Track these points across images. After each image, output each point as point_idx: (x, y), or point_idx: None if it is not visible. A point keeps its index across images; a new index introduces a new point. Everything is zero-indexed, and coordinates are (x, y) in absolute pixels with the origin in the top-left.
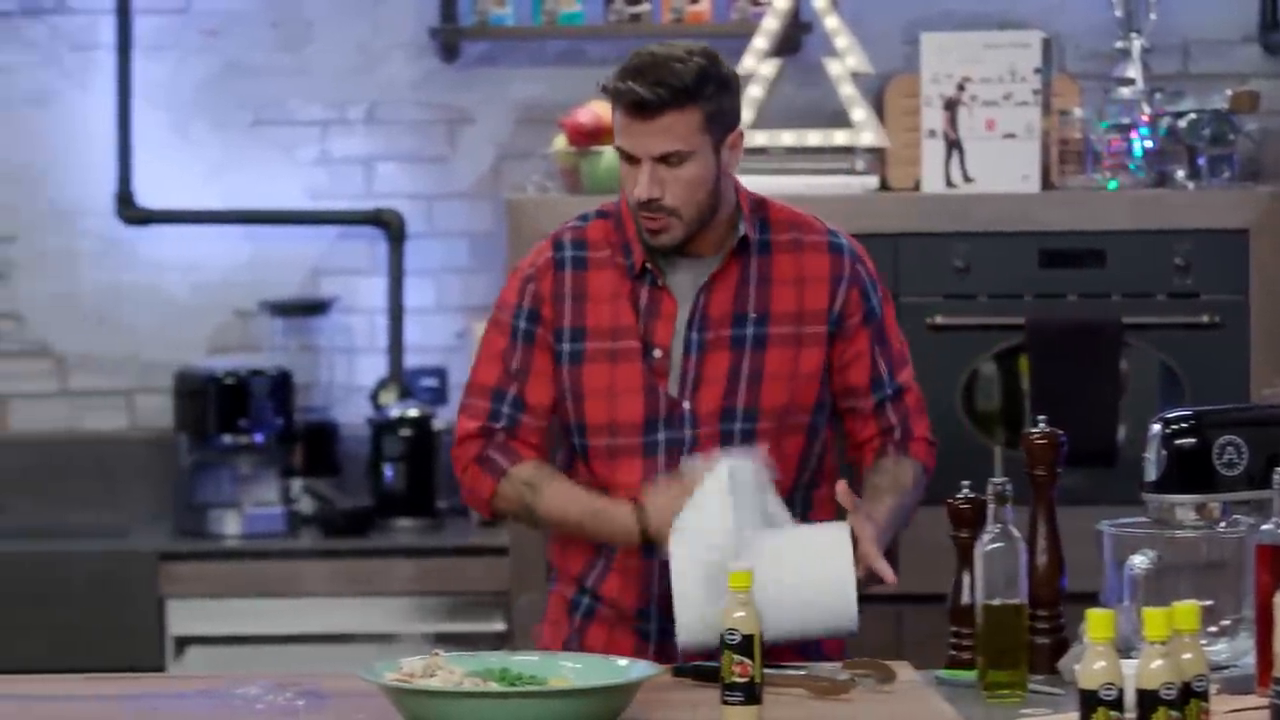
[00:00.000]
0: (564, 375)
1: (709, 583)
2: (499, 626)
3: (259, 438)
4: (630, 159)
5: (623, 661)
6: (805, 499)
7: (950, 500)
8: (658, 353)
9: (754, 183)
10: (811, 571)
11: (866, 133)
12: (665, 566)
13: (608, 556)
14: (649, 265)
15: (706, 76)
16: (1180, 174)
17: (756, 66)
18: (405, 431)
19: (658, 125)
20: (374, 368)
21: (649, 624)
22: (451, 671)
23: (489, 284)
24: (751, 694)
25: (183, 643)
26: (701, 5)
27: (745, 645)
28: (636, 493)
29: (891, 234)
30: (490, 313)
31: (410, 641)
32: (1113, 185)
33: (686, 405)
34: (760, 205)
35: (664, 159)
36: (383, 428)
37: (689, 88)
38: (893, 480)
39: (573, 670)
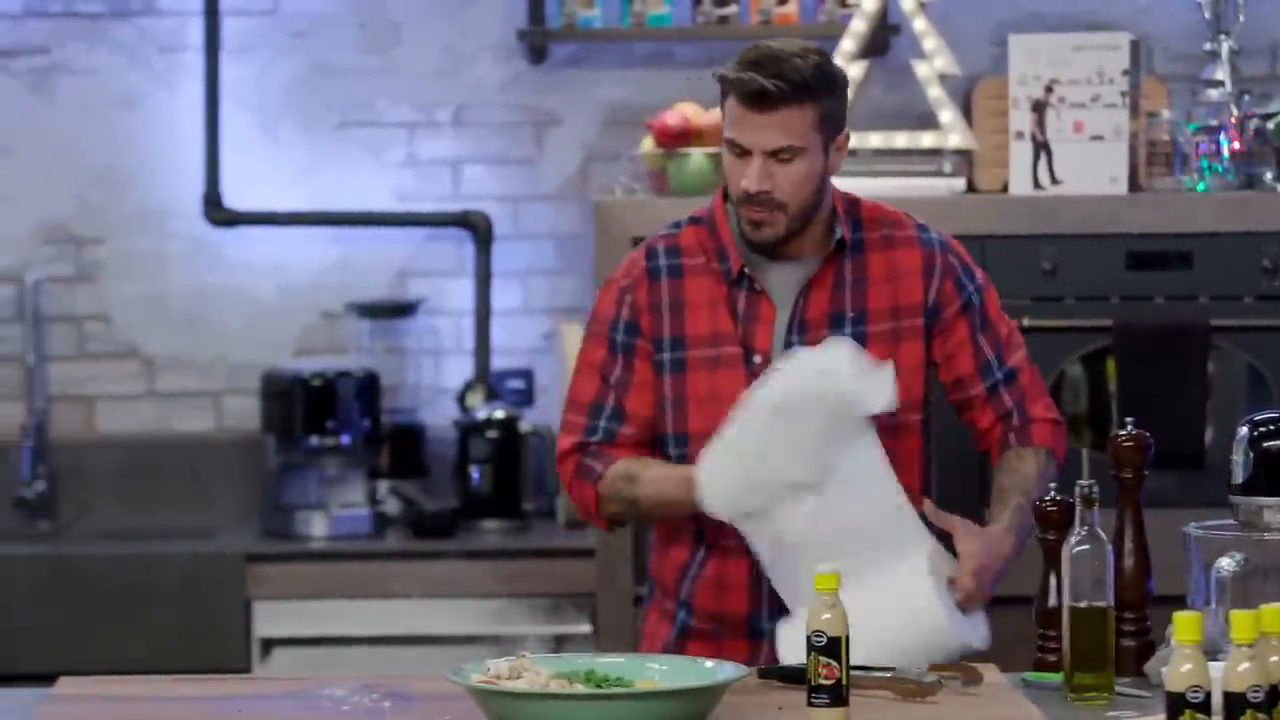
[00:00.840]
0: (665, 384)
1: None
2: (585, 628)
3: (346, 439)
4: (740, 151)
5: (709, 663)
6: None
7: (1037, 502)
8: (758, 358)
9: (841, 184)
10: (900, 619)
11: (954, 135)
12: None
13: (702, 559)
14: (746, 270)
15: (823, 75)
16: (1268, 176)
17: (844, 68)
18: (491, 433)
19: (774, 119)
20: (460, 369)
21: (759, 625)
22: (538, 673)
23: (576, 286)
24: (838, 696)
25: (269, 644)
26: (789, 7)
27: (832, 647)
28: None
29: (979, 236)
30: (584, 326)
31: (496, 643)
32: (1200, 187)
33: None
34: (853, 205)
35: (775, 153)
36: (469, 430)
37: (808, 83)
38: (1018, 478)
39: (659, 672)
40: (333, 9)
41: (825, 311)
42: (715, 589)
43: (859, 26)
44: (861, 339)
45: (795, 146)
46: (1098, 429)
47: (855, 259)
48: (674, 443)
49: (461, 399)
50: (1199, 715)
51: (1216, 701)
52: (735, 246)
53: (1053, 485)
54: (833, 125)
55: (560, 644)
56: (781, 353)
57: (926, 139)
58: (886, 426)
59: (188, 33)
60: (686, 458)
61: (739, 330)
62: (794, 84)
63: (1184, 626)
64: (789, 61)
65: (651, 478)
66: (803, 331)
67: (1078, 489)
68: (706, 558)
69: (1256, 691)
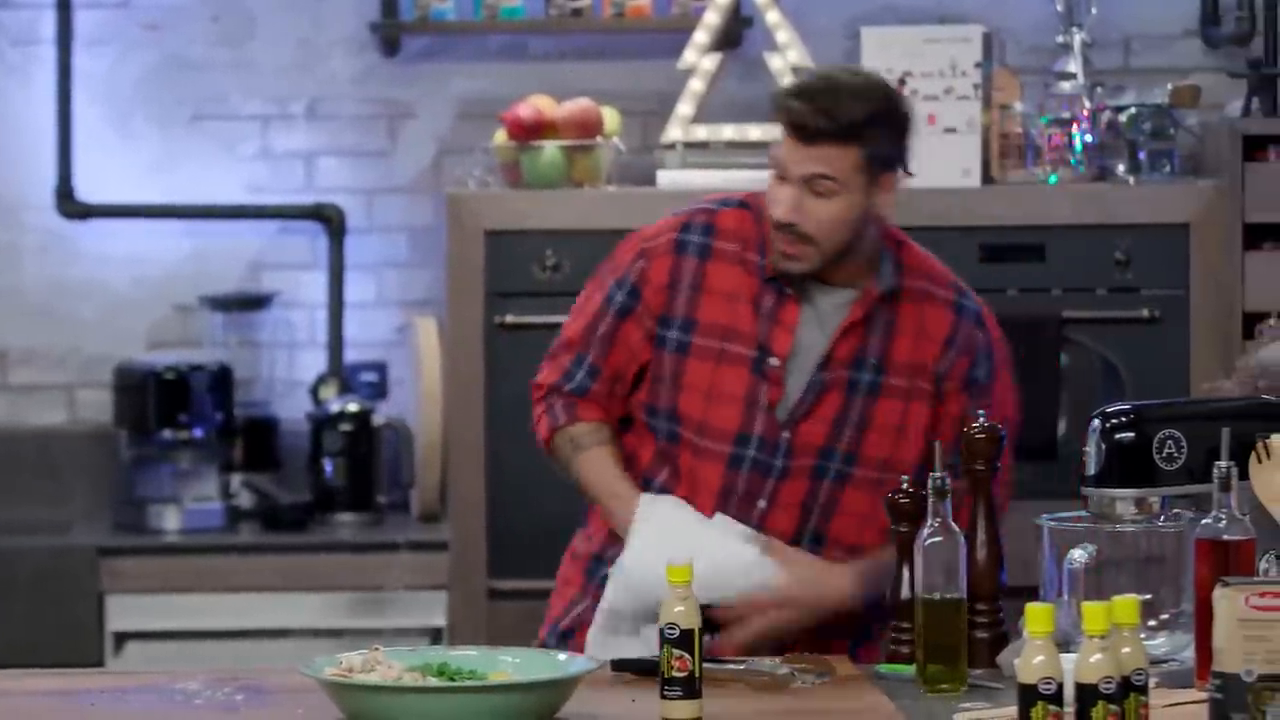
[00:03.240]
0: (665, 361)
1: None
2: (438, 621)
3: (199, 433)
4: (780, 175)
5: (562, 656)
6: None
7: (889, 495)
8: (774, 360)
9: (695, 178)
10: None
11: None
12: None
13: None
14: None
15: (877, 117)
16: (1121, 168)
17: (697, 61)
18: (345, 426)
19: (814, 152)
20: (314, 363)
21: None
22: (390, 666)
23: (429, 279)
24: (691, 688)
25: (122, 638)
26: (642, 0)
27: (684, 639)
28: (709, 498)
29: None
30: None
31: (350, 636)
32: (1053, 180)
33: (786, 434)
34: (898, 247)
35: (810, 183)
36: (322, 423)
37: (855, 124)
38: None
39: (512, 665)
40: (187, 2)
41: (853, 354)
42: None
43: (712, 19)
44: (876, 388)
45: (833, 179)
46: None
47: (889, 305)
48: (665, 416)
49: (315, 392)
50: (1051, 707)
51: (1069, 693)
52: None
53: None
54: (882, 167)
55: (414, 638)
56: (801, 374)
57: (780, 131)
58: (868, 480)
59: (40, 25)
60: (678, 436)
61: (759, 330)
62: (839, 124)
63: (1036, 618)
64: (844, 100)
65: (599, 469)
66: (826, 367)
67: (930, 481)
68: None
69: (1109, 683)
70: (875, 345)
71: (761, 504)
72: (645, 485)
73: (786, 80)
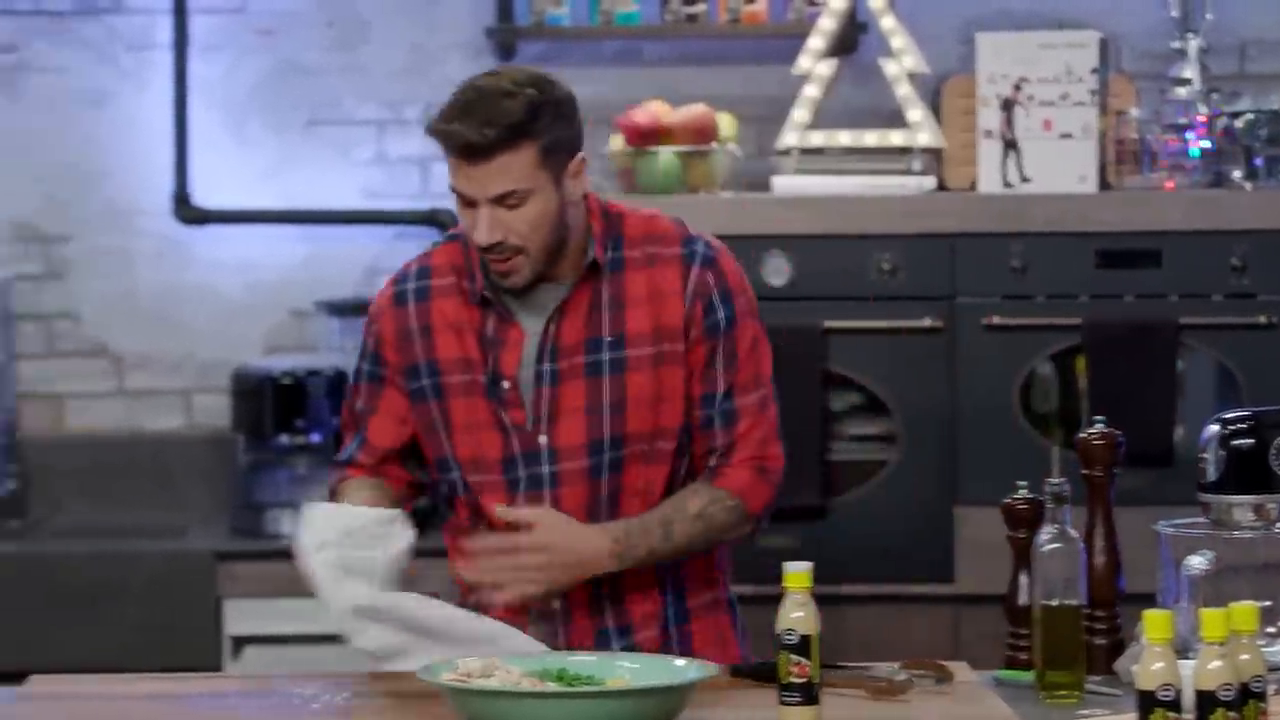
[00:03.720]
0: (433, 409)
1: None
2: None
3: (315, 437)
4: (466, 201)
5: (680, 662)
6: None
7: (1007, 501)
8: (505, 384)
9: (811, 183)
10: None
11: (923, 133)
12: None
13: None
14: (487, 293)
15: (538, 108)
16: (1236, 174)
17: (813, 66)
18: None
19: (491, 167)
20: None
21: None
22: (509, 671)
23: None
24: (809, 694)
25: (240, 642)
26: (758, 5)
27: (803, 645)
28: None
29: (948, 234)
30: None
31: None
32: (1169, 186)
33: (543, 440)
34: (615, 221)
35: (501, 200)
36: None
37: (520, 123)
38: (669, 506)
39: (630, 670)
40: (301, 7)
41: (580, 337)
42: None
43: (827, 24)
44: (620, 364)
45: (520, 190)
46: (1068, 427)
47: (614, 278)
48: (449, 465)
49: None
50: (1170, 714)
51: (1188, 700)
52: (484, 266)
53: (739, 533)
54: (561, 155)
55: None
56: (531, 380)
57: (895, 137)
58: (640, 454)
59: (156, 31)
60: (465, 483)
61: (486, 355)
62: (504, 127)
63: (1154, 624)
64: (495, 103)
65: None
66: (555, 358)
67: (1048, 487)
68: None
69: (1227, 690)
70: (607, 322)
71: None
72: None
73: (434, 111)
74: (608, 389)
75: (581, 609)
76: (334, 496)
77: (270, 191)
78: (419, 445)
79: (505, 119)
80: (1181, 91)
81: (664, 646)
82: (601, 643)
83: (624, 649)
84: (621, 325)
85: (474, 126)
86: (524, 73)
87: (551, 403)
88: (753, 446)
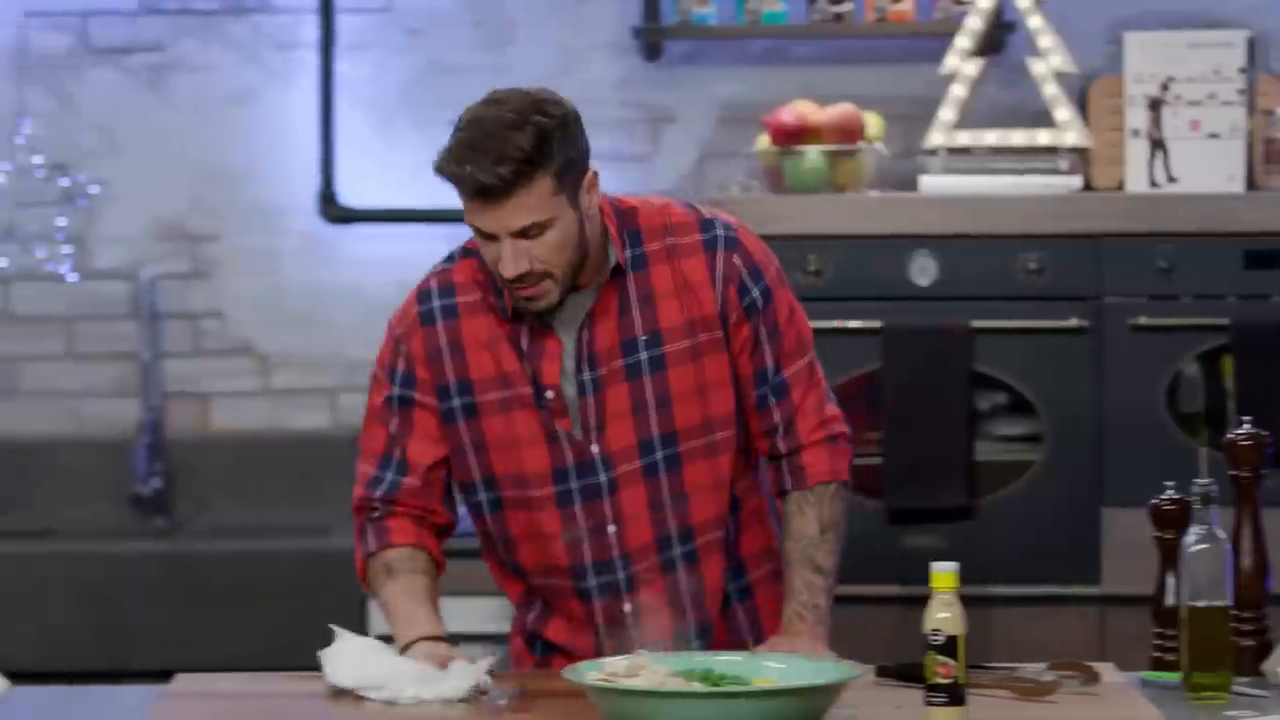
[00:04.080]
0: (462, 430)
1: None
2: None
3: None
4: (486, 235)
5: (827, 662)
6: (735, 522)
7: (1154, 501)
8: (550, 394)
9: (958, 183)
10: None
11: (1070, 132)
12: (610, 609)
13: (543, 599)
14: (520, 306)
15: (546, 136)
16: None
17: (960, 66)
18: None
19: (509, 205)
20: None
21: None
22: (655, 671)
23: None
24: (956, 695)
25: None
26: (904, 5)
27: (949, 646)
28: (559, 544)
29: (1095, 234)
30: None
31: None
32: None
33: (595, 449)
34: (629, 217)
35: (523, 233)
36: None
37: (532, 156)
38: (803, 546)
39: (777, 670)
40: (447, 6)
41: (614, 340)
42: (566, 622)
43: (974, 24)
44: (659, 361)
45: (540, 221)
46: (1215, 428)
47: (639, 276)
48: (484, 487)
49: None
50: None
51: None
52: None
53: (839, 529)
54: (574, 177)
55: None
56: (574, 391)
57: (1042, 137)
58: (700, 450)
59: (302, 30)
60: (499, 501)
61: (526, 367)
62: (518, 163)
63: None
64: (507, 139)
65: (391, 598)
66: (594, 366)
67: (1195, 488)
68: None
69: None
70: (640, 322)
71: (611, 529)
72: (502, 561)
73: (438, 151)
74: (650, 388)
75: (654, 614)
76: (374, 559)
77: (416, 191)
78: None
79: (516, 154)
80: None
81: (732, 625)
82: (680, 640)
83: (702, 645)
84: (654, 322)
85: (485, 167)
86: (524, 98)
87: (598, 410)
88: (811, 416)
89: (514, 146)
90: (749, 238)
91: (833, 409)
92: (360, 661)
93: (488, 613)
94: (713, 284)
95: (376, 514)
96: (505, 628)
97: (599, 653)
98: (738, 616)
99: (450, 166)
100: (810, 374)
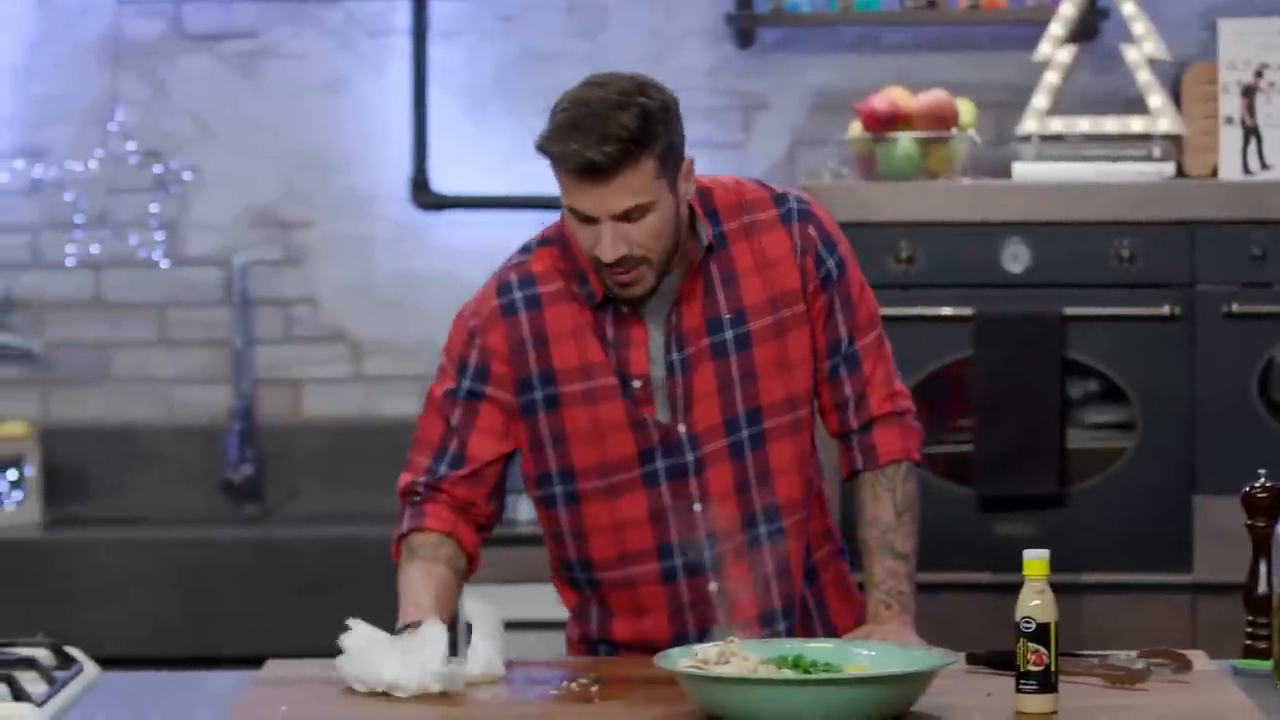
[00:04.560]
0: (541, 423)
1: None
2: None
3: None
4: (584, 218)
5: (918, 649)
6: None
7: (1247, 489)
8: (637, 383)
9: (1050, 170)
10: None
11: (1163, 119)
12: (695, 589)
13: (602, 602)
14: (609, 293)
15: (650, 118)
16: None
17: (1053, 53)
18: None
19: (613, 185)
20: None
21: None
22: (746, 658)
23: None
24: (1047, 682)
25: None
26: None
27: (1041, 633)
28: (645, 526)
29: (1188, 221)
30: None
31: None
32: None
33: (682, 429)
34: (706, 197)
35: (625, 215)
36: None
37: (637, 136)
38: (880, 532)
39: (868, 658)
40: None
41: (700, 320)
42: (633, 620)
43: (1068, 10)
44: (745, 339)
45: (642, 204)
46: None
47: (721, 255)
48: (559, 479)
49: None
50: None
51: None
52: (601, 277)
53: (915, 509)
54: (674, 162)
55: None
56: (663, 373)
57: (1135, 124)
58: (785, 427)
59: (395, 16)
60: (575, 494)
61: (612, 357)
62: (624, 143)
63: None
64: (611, 117)
65: (406, 584)
66: (681, 346)
67: None
68: (596, 588)
69: None
70: (724, 301)
71: (697, 507)
72: (567, 560)
73: (542, 129)
74: (735, 365)
75: (743, 592)
76: (405, 540)
77: (508, 177)
78: (507, 464)
79: (622, 133)
80: None
81: (803, 609)
82: (768, 623)
83: (787, 627)
84: (738, 301)
85: (591, 144)
86: (628, 80)
87: (685, 391)
88: (881, 388)
89: (620, 126)
90: (821, 210)
91: (901, 385)
92: (364, 660)
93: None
94: (794, 257)
95: (418, 498)
96: None
97: (678, 639)
98: (806, 599)
99: (554, 145)
100: (880, 348)
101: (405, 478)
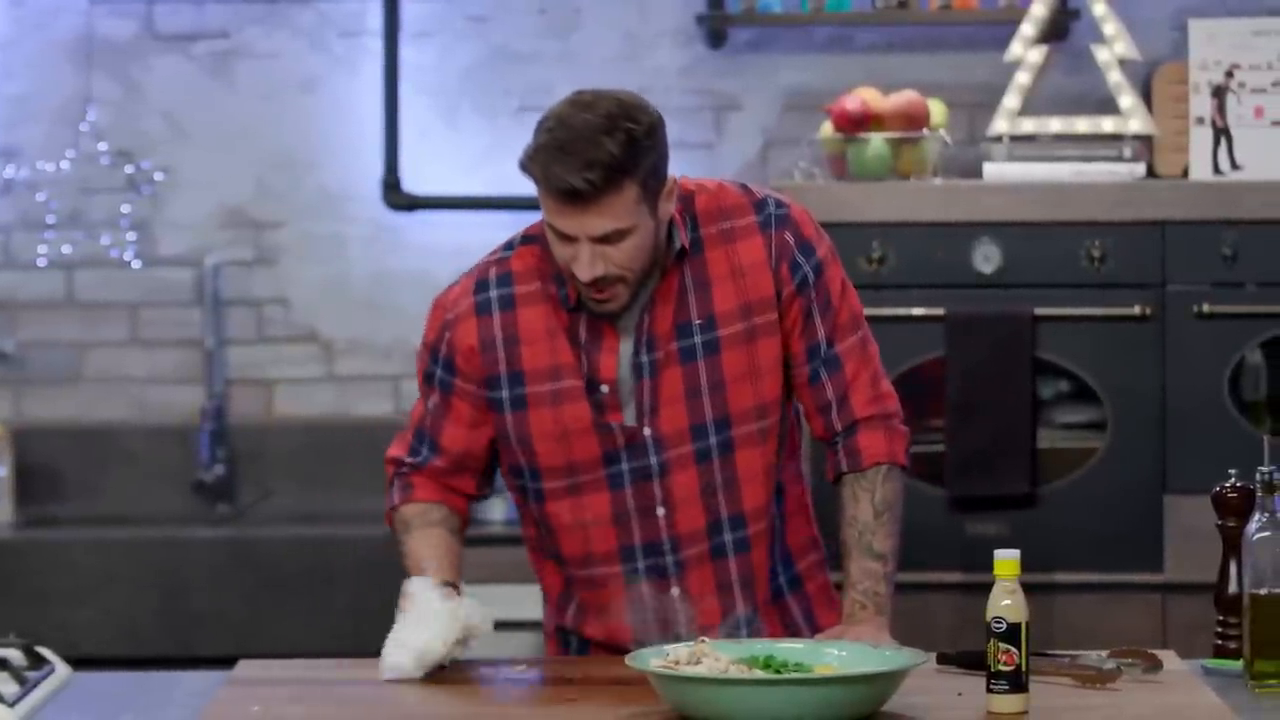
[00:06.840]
0: (508, 421)
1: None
2: None
3: None
4: (564, 236)
5: (888, 649)
6: (781, 511)
7: (1218, 489)
8: (604, 389)
9: (1021, 170)
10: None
11: (1134, 120)
12: (656, 593)
13: (579, 597)
14: (583, 298)
15: (636, 144)
16: None
17: (1024, 53)
18: None
19: (594, 210)
20: None
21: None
22: (717, 659)
23: None
24: (1018, 682)
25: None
26: None
27: (1012, 633)
28: (608, 527)
29: (1158, 221)
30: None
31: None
32: None
33: (647, 432)
34: (688, 201)
35: (604, 239)
36: None
37: (623, 165)
38: (858, 533)
39: (838, 658)
40: None
41: (671, 324)
42: (599, 619)
43: (1039, 11)
44: (713, 345)
45: (623, 229)
46: (1278, 416)
47: (695, 260)
48: (529, 475)
49: None
50: None
51: None
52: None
53: (897, 513)
54: (656, 185)
55: None
56: (630, 375)
57: (1106, 124)
58: (751, 436)
59: (367, 17)
60: (542, 492)
61: (582, 360)
62: (607, 169)
63: None
64: (597, 144)
65: (411, 554)
66: (651, 349)
67: (1259, 475)
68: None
69: None
70: (695, 306)
71: (660, 511)
72: (541, 550)
73: (525, 145)
74: (704, 372)
75: (706, 598)
76: (396, 513)
77: (480, 177)
78: (491, 447)
79: (606, 159)
80: None
81: (787, 618)
82: (729, 627)
83: (751, 631)
84: (709, 306)
85: (574, 170)
86: (614, 102)
87: (652, 394)
88: (865, 390)
89: (604, 152)
90: (800, 213)
91: (888, 387)
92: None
93: (530, 600)
94: (769, 265)
95: (405, 470)
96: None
97: (640, 642)
98: (792, 608)
99: (537, 167)
100: (863, 350)
101: (394, 450)
